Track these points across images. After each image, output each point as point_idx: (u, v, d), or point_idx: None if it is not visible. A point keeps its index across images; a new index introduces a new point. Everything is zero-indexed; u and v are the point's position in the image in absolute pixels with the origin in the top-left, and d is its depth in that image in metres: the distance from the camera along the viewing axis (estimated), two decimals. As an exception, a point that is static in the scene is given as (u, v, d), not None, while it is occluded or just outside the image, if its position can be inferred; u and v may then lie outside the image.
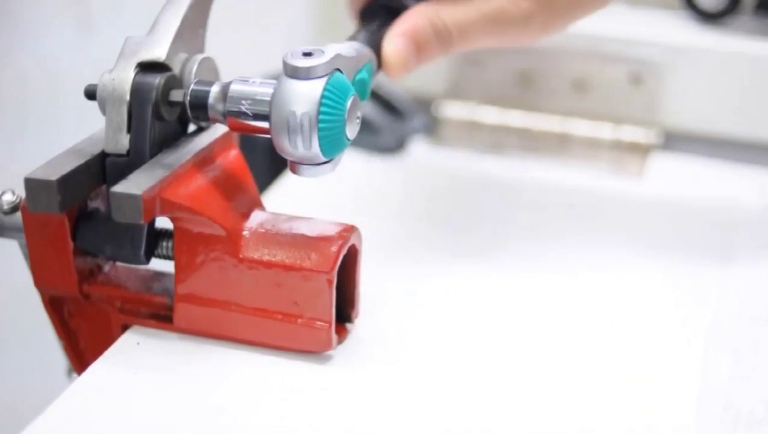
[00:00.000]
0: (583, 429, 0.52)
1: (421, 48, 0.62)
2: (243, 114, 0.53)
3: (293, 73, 0.51)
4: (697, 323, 0.61)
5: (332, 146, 0.52)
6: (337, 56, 0.52)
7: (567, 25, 0.64)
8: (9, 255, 0.61)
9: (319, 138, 0.51)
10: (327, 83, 0.51)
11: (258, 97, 0.52)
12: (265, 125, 0.52)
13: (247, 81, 0.53)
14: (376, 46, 0.61)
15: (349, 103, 0.52)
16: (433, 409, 0.53)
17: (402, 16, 0.63)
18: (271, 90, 0.52)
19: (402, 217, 0.74)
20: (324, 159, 0.52)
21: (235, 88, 0.53)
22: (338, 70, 0.53)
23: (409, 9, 0.63)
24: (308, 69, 0.51)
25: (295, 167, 0.53)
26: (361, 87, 0.57)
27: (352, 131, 0.53)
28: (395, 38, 0.62)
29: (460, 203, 0.76)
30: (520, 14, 0.61)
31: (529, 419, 0.53)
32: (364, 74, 0.57)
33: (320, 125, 0.51)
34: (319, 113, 0.51)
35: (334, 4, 0.96)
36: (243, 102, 0.52)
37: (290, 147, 0.52)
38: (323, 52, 0.52)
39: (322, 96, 0.51)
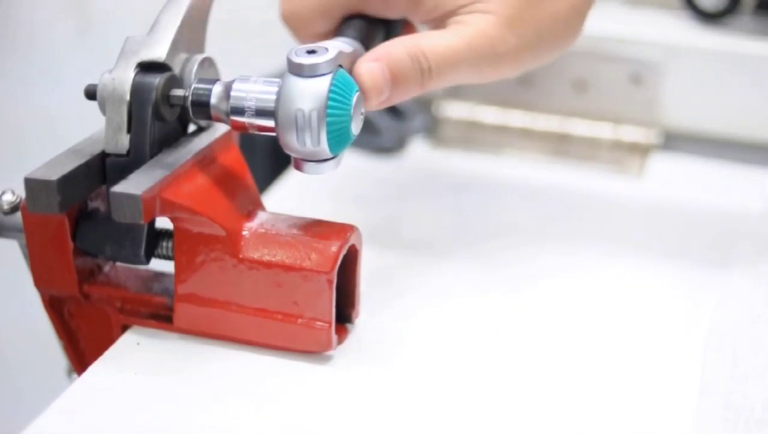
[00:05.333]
0: (584, 429, 0.52)
1: (396, 78, 0.57)
2: (247, 112, 0.53)
3: (298, 70, 0.51)
4: (697, 323, 0.61)
5: (339, 141, 0.52)
6: (340, 53, 0.53)
7: (541, 61, 0.62)
8: (9, 255, 0.61)
9: (327, 133, 0.51)
10: (333, 80, 0.51)
11: (262, 96, 0.52)
12: (269, 123, 0.52)
13: (250, 80, 0.53)
14: (366, 45, 0.59)
15: (354, 98, 0.53)
16: (432, 409, 0.53)
17: (377, 46, 0.58)
18: (274, 88, 0.52)
19: (402, 217, 0.74)
20: (330, 155, 0.53)
21: (238, 86, 0.53)
22: (340, 66, 0.53)
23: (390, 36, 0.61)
24: (313, 66, 0.51)
25: (299, 163, 0.54)
26: None
27: (357, 126, 0.53)
28: (368, 62, 0.56)
29: (460, 203, 0.76)
30: (496, 44, 0.58)
31: (530, 419, 0.53)
32: None
33: (328, 120, 0.51)
34: (326, 108, 0.51)
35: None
36: (246, 100, 0.53)
37: (298, 144, 0.52)
38: (327, 49, 0.52)
39: (329, 93, 0.51)
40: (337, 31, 0.60)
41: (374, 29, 0.61)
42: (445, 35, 0.59)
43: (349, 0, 0.60)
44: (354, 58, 0.56)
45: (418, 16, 0.61)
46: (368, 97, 0.56)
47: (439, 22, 0.60)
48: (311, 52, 0.52)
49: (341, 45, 0.54)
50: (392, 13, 0.61)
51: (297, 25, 0.62)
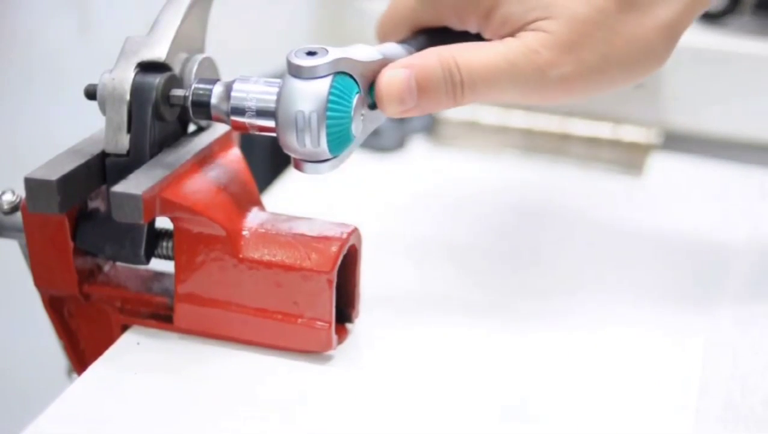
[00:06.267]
0: (584, 428, 0.52)
1: (424, 88, 0.53)
2: (247, 113, 0.53)
3: (296, 72, 0.51)
4: (697, 323, 0.62)
5: (339, 142, 0.52)
6: (343, 58, 0.52)
7: (604, 90, 0.55)
8: (9, 255, 0.61)
9: (327, 135, 0.51)
10: (332, 82, 0.51)
11: (262, 96, 0.52)
12: (269, 123, 0.52)
13: (250, 80, 0.53)
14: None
15: (354, 100, 0.52)
16: (432, 409, 0.53)
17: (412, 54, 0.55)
18: (275, 89, 0.52)
19: (402, 217, 0.74)
20: (329, 155, 0.53)
21: (238, 87, 0.53)
22: (347, 74, 0.52)
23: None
24: (310, 68, 0.51)
25: (299, 163, 0.54)
26: None
27: (357, 127, 0.53)
28: (395, 68, 0.53)
29: (460, 203, 0.76)
30: (546, 67, 0.53)
31: (530, 418, 0.53)
32: None
33: (328, 121, 0.51)
34: (326, 110, 0.51)
35: (334, 4, 0.96)
36: (247, 101, 0.53)
37: (297, 144, 0.52)
38: (327, 51, 0.52)
39: (329, 94, 0.51)
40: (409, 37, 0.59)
41: (452, 40, 0.57)
42: (487, 49, 0.54)
43: (425, 18, 0.58)
44: (381, 66, 0.55)
45: (488, 33, 0.56)
46: (384, 105, 0.54)
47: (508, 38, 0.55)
48: (311, 53, 0.52)
49: (356, 52, 0.53)
50: (469, 28, 0.57)
51: (384, 35, 0.60)
